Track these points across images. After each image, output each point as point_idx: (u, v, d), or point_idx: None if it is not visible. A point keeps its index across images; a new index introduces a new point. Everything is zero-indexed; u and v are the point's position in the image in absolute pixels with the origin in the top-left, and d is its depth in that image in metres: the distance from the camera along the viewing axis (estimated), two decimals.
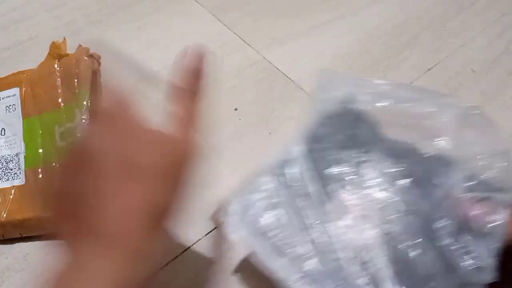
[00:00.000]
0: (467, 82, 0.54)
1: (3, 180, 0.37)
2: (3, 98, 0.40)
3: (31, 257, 0.38)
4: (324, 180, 0.32)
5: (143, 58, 0.54)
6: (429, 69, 0.55)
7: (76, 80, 0.39)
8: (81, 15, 0.59)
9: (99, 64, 0.40)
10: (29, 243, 0.38)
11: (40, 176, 0.35)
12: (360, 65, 0.55)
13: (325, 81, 0.35)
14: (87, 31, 0.57)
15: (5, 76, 0.43)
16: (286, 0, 0.63)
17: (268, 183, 0.32)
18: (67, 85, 0.38)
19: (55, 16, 0.58)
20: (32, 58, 0.53)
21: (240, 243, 0.32)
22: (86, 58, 0.39)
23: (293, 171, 0.32)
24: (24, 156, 0.37)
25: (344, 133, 0.34)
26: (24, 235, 0.37)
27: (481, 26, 0.61)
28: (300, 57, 0.56)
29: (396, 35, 0.59)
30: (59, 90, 0.39)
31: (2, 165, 0.37)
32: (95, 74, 0.39)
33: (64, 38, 0.43)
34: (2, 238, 0.37)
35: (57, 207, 0.23)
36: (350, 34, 0.59)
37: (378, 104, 0.33)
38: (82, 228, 0.22)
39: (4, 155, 0.38)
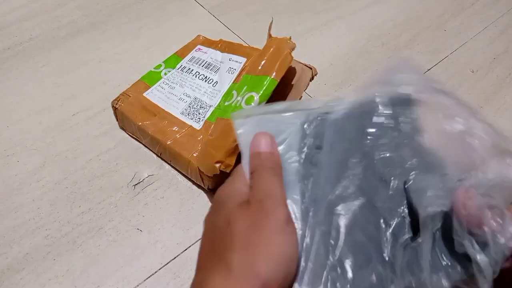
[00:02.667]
0: (466, 82, 0.54)
1: (187, 116, 0.44)
2: (231, 60, 0.47)
3: (31, 257, 0.38)
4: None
5: (143, 58, 0.54)
6: (429, 69, 0.55)
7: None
8: (81, 15, 0.59)
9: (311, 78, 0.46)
10: (29, 242, 0.38)
11: (211, 128, 0.41)
12: (360, 65, 0.55)
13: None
14: (87, 31, 0.57)
15: (237, 44, 0.49)
16: (286, 1, 0.63)
17: None
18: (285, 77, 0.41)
19: (55, 16, 0.58)
20: (32, 58, 0.53)
21: None
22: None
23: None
24: (212, 110, 0.43)
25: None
26: (172, 164, 0.44)
27: (481, 26, 0.61)
28: (300, 57, 0.56)
29: (396, 35, 0.59)
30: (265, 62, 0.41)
31: (196, 105, 0.44)
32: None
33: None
34: (159, 155, 0.45)
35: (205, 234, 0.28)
36: (350, 34, 0.59)
37: None
38: (215, 256, 0.26)
39: (202, 100, 0.45)
